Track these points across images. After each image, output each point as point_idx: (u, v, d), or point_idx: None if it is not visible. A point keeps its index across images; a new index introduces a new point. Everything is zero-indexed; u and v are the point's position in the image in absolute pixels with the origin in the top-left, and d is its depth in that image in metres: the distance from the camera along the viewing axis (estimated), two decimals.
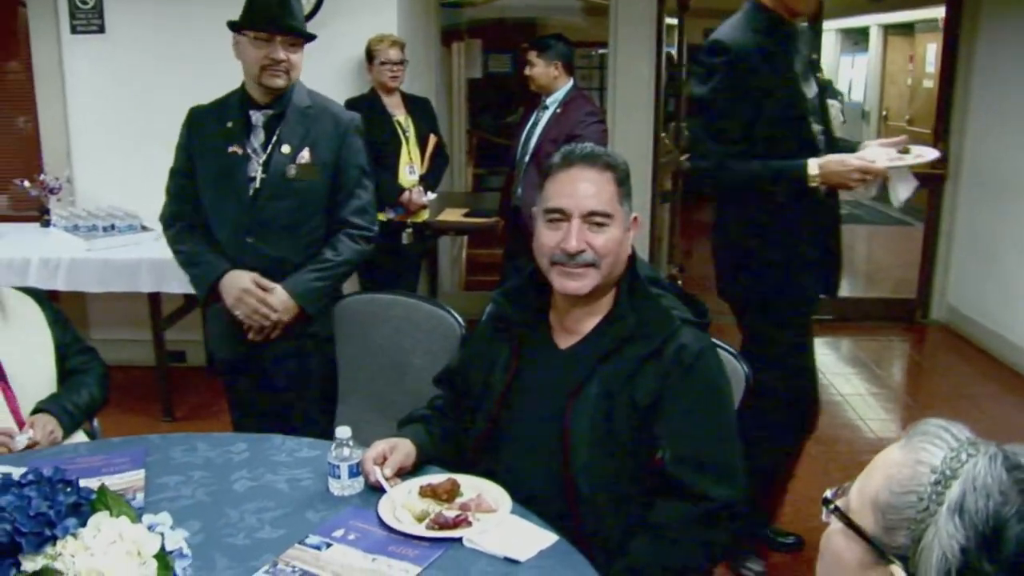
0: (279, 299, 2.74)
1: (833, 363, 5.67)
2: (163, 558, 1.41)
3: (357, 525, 1.80)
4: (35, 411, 2.45)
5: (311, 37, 2.79)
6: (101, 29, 4.92)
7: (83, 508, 1.40)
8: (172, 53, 4.91)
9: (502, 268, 5.08)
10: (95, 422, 2.70)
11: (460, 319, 2.60)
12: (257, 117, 2.78)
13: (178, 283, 4.32)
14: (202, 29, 4.84)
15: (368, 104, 4.37)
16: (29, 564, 1.32)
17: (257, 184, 2.74)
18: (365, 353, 2.72)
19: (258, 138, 2.77)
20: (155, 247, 4.44)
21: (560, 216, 1.91)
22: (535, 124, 4.48)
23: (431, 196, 4.55)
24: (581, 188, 1.90)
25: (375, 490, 1.91)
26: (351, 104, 4.20)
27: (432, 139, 4.62)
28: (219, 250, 2.80)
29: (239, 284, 2.73)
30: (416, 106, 4.64)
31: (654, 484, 1.86)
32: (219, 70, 4.66)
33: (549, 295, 2.01)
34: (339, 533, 1.77)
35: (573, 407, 1.87)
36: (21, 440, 2.34)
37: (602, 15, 9.69)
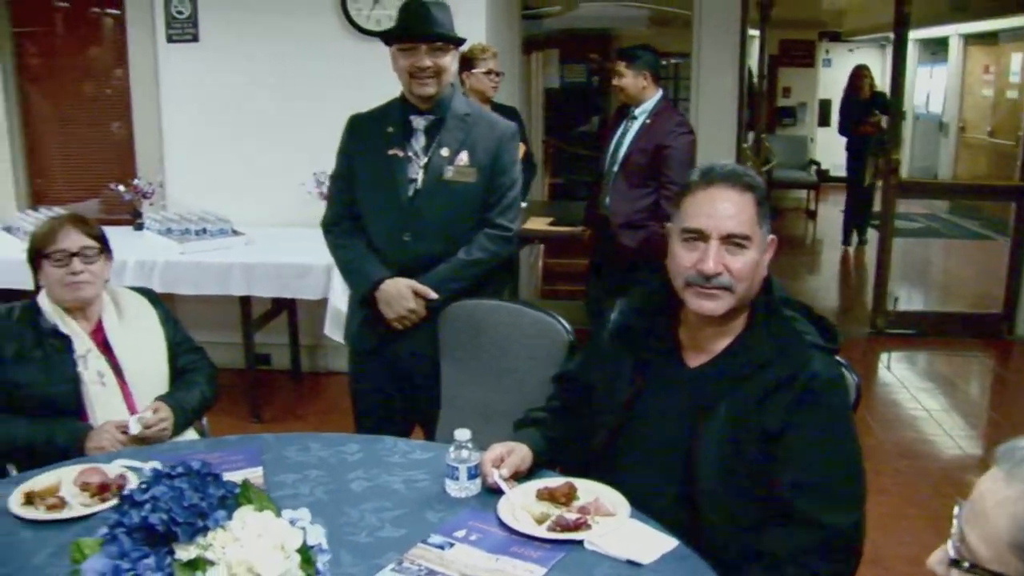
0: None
1: (914, 378, 5.60)
2: (306, 553, 1.43)
3: (477, 526, 1.82)
4: None
5: (458, 41, 2.81)
6: (195, 38, 5.06)
7: (229, 501, 1.43)
8: (262, 60, 5.03)
9: (586, 277, 5.08)
10: (204, 420, 2.76)
11: (568, 326, 2.60)
12: (418, 122, 2.83)
13: (268, 287, 4.42)
14: (291, 38, 4.96)
15: None
16: (183, 553, 1.35)
17: (418, 185, 2.80)
18: (469, 358, 2.74)
19: (419, 142, 2.84)
20: (246, 251, 4.54)
21: (698, 236, 1.86)
22: (624, 134, 4.47)
23: (522, 205, 4.56)
24: (721, 208, 1.84)
25: (492, 492, 1.93)
26: None
27: (520, 148, 4.63)
28: (376, 255, 2.86)
29: (405, 304, 2.79)
30: (504, 115, 4.64)
31: (769, 510, 1.81)
32: (306, 77, 4.80)
33: (678, 310, 1.97)
34: (461, 533, 1.79)
35: (703, 429, 1.84)
36: (133, 424, 2.40)
37: (668, 26, 9.68)
